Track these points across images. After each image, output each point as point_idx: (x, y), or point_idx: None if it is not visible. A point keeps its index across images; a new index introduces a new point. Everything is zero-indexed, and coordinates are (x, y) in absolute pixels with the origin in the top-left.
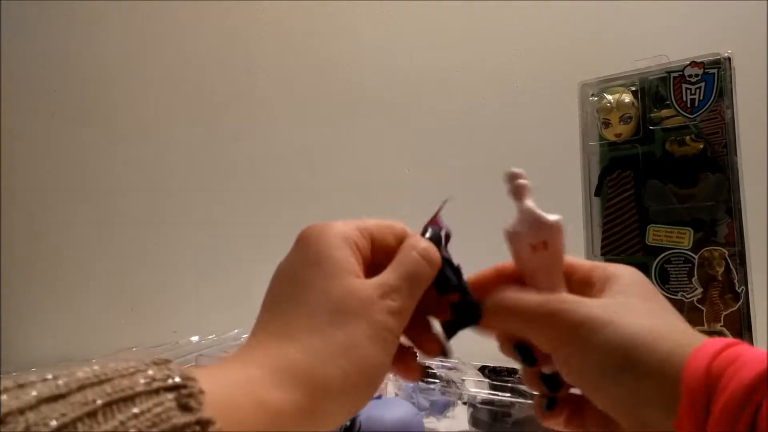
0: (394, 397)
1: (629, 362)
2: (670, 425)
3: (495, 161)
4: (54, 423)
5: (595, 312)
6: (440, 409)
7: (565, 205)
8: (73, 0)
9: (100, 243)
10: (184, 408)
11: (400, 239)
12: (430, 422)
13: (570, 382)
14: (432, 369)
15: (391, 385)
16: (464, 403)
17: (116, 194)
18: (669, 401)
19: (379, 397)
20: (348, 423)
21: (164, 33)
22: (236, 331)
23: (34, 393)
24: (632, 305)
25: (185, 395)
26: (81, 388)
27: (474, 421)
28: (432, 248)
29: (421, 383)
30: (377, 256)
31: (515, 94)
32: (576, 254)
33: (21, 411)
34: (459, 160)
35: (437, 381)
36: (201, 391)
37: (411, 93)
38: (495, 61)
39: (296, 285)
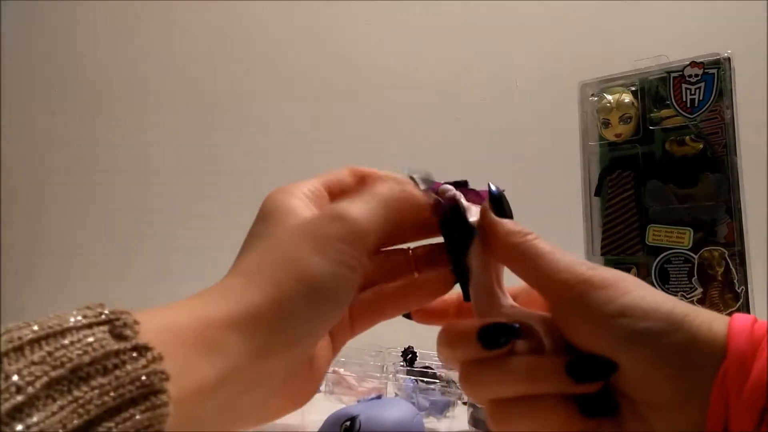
0: (394, 397)
1: (671, 325)
2: (709, 388)
3: (495, 161)
4: None
5: (620, 274)
6: (440, 409)
7: (565, 205)
8: (73, 0)
9: (100, 242)
10: (118, 337)
11: (359, 175)
12: (430, 422)
13: (591, 347)
14: (432, 369)
15: (391, 385)
16: (464, 403)
17: (116, 194)
18: (713, 364)
19: (379, 397)
20: (348, 423)
21: (163, 33)
22: None
23: None
24: (637, 282)
25: (119, 326)
26: (7, 331)
27: (474, 421)
28: (405, 181)
29: (421, 383)
30: (338, 197)
31: (515, 94)
32: (576, 254)
33: None
34: (459, 160)
35: (437, 381)
36: (136, 322)
37: (411, 93)
38: (495, 61)
39: (254, 238)
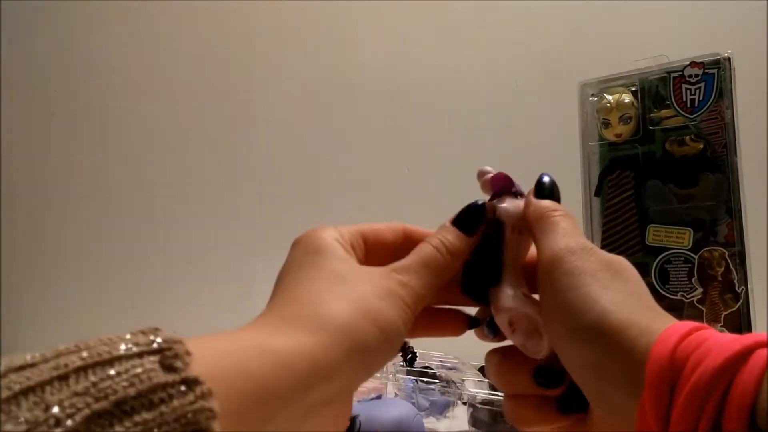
0: (394, 397)
1: (599, 336)
2: (633, 411)
3: (495, 161)
4: (17, 387)
5: (593, 265)
6: (440, 409)
7: (566, 205)
8: (73, 0)
9: (100, 242)
10: (168, 369)
11: (400, 234)
12: (430, 422)
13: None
14: (432, 369)
15: (391, 385)
16: (464, 403)
17: (116, 193)
18: (634, 386)
19: (379, 397)
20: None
21: (164, 32)
22: None
23: (5, 364)
24: (602, 277)
25: (170, 356)
26: (57, 356)
27: (474, 421)
28: (451, 240)
29: (421, 383)
30: (375, 255)
31: (515, 94)
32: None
33: None
34: (459, 160)
35: (437, 381)
36: (187, 353)
37: (411, 93)
38: (495, 61)
39: (301, 269)
